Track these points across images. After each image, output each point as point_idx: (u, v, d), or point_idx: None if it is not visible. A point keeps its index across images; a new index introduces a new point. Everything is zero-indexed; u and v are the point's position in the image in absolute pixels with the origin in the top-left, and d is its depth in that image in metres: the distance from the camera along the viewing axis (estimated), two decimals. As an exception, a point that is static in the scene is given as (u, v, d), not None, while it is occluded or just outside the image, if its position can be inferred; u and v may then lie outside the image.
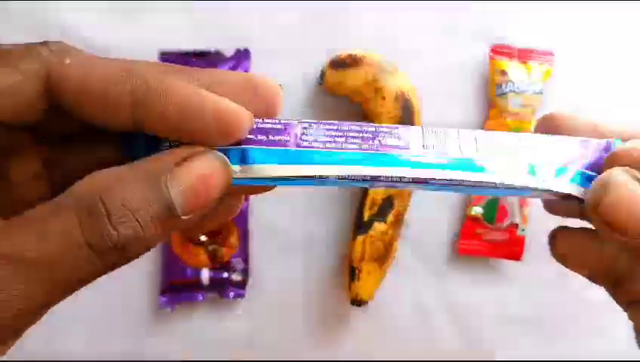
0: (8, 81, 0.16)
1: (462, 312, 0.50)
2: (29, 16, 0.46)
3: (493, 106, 0.48)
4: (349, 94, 0.46)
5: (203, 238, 0.47)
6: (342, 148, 0.20)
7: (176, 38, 0.47)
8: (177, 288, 0.47)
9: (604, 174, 0.19)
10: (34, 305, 0.16)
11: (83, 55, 0.18)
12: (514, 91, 0.47)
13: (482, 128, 0.49)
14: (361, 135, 0.20)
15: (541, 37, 0.49)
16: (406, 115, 0.45)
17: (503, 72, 0.48)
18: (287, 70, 0.48)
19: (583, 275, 0.23)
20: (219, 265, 0.47)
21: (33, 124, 0.18)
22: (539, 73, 0.48)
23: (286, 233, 0.49)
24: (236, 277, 0.47)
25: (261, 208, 0.48)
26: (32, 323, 0.17)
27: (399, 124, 0.45)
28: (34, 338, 0.47)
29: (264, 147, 0.19)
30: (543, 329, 0.50)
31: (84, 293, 0.51)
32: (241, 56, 0.47)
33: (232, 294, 0.47)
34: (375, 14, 0.48)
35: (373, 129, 0.20)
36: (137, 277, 0.48)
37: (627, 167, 0.18)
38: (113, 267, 0.17)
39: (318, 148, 0.19)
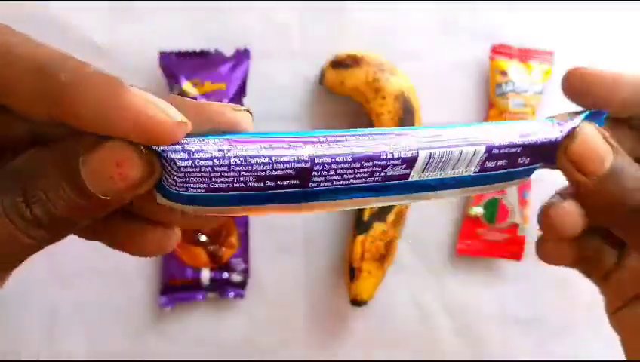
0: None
1: (462, 312, 0.50)
2: (30, 17, 0.46)
3: (493, 106, 0.48)
4: (349, 94, 0.46)
5: (203, 238, 0.47)
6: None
7: (176, 38, 0.47)
8: (177, 288, 0.47)
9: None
10: None
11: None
12: (514, 91, 0.47)
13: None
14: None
15: (541, 37, 0.49)
16: (406, 115, 0.45)
17: (503, 72, 0.48)
18: (287, 70, 0.48)
19: (561, 266, 0.26)
20: (219, 265, 0.47)
21: None
22: (539, 73, 0.48)
23: (286, 233, 0.49)
24: (236, 277, 0.47)
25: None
26: None
27: (399, 124, 0.45)
28: (34, 338, 0.47)
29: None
30: (543, 329, 0.50)
31: (84, 293, 0.51)
32: (241, 56, 0.47)
33: (232, 294, 0.47)
34: (375, 14, 0.48)
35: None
36: (137, 277, 0.48)
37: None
38: (42, 242, 0.18)
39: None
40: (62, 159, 0.17)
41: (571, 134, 0.22)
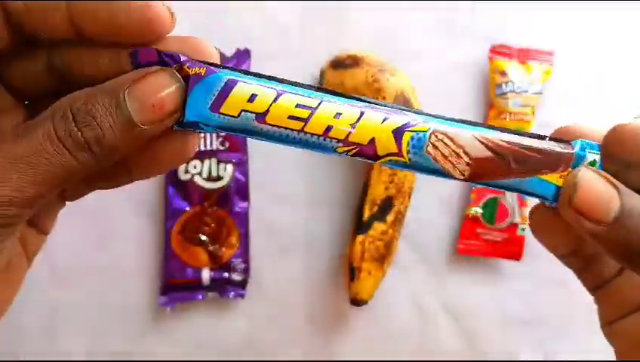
0: None
1: (461, 312, 0.50)
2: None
3: (493, 106, 0.48)
4: (349, 94, 0.46)
5: (203, 238, 0.47)
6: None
7: (176, 38, 0.47)
8: (177, 288, 0.47)
9: (572, 172, 0.21)
10: (26, 195, 0.19)
11: None
12: (514, 91, 0.47)
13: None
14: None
15: (541, 37, 0.49)
16: (406, 115, 0.45)
17: (503, 72, 0.48)
18: (287, 70, 0.47)
19: (555, 254, 0.25)
20: (219, 265, 0.47)
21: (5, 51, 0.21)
22: (539, 73, 0.48)
23: (286, 233, 0.49)
24: (236, 277, 0.47)
25: (261, 208, 0.48)
26: (27, 215, 0.20)
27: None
28: (34, 338, 0.47)
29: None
30: (543, 329, 0.50)
31: (84, 293, 0.51)
32: (242, 57, 0.47)
33: (232, 294, 0.47)
34: (375, 14, 0.48)
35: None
36: (137, 276, 0.48)
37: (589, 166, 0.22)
38: (87, 165, 0.20)
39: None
40: (109, 90, 0.20)
41: (571, 184, 0.21)
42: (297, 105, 0.21)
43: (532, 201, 0.51)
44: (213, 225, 0.47)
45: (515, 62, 0.48)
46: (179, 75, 0.20)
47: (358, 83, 0.45)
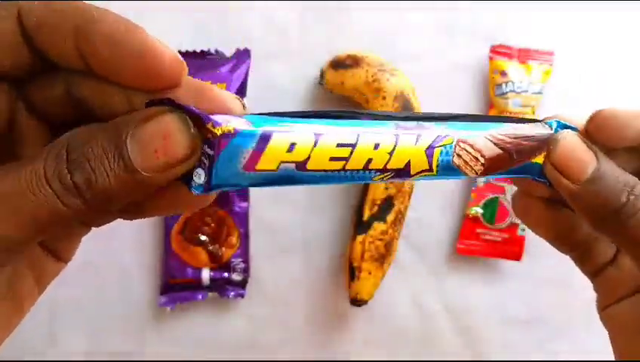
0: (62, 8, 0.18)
1: (461, 312, 0.50)
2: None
3: (493, 106, 0.48)
4: (349, 94, 0.46)
5: (203, 238, 0.47)
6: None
7: (176, 38, 0.47)
8: (177, 288, 0.47)
9: (557, 133, 0.23)
10: (6, 239, 0.18)
11: None
12: (514, 91, 0.47)
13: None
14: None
15: (541, 37, 0.49)
16: (406, 115, 0.45)
17: (503, 72, 0.48)
18: (287, 70, 0.48)
19: (545, 238, 0.26)
20: (219, 265, 0.47)
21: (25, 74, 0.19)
22: (539, 73, 0.48)
23: (286, 233, 0.49)
24: (236, 277, 0.47)
25: (261, 208, 0.48)
26: (12, 259, 0.19)
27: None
28: (34, 338, 0.47)
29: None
30: (543, 329, 0.50)
31: (84, 293, 0.51)
32: (241, 56, 0.47)
33: (232, 294, 0.47)
34: (375, 14, 0.48)
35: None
36: (137, 276, 0.48)
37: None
38: (76, 212, 0.18)
39: None
40: (110, 130, 0.18)
41: (553, 141, 0.23)
42: (338, 145, 0.20)
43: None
44: (213, 225, 0.47)
45: (515, 62, 0.48)
46: (189, 122, 0.18)
47: (358, 83, 0.45)
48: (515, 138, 0.23)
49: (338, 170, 0.20)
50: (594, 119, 0.24)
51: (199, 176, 0.18)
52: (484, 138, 0.22)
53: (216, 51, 0.46)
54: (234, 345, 0.48)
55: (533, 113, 0.48)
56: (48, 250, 0.22)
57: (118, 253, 0.48)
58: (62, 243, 0.23)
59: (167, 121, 0.18)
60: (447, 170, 0.22)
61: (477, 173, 0.22)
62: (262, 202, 0.48)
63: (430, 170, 0.21)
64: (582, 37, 0.50)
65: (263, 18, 0.48)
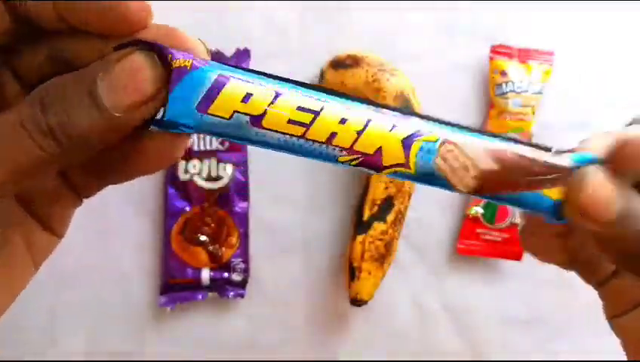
0: None
1: (461, 312, 0.50)
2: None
3: (493, 106, 0.48)
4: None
5: (203, 238, 0.47)
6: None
7: (176, 38, 0.47)
8: (177, 288, 0.47)
9: (579, 171, 0.21)
10: None
11: None
12: (514, 91, 0.47)
13: (482, 128, 0.49)
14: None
15: (541, 37, 0.49)
16: (406, 115, 0.45)
17: (503, 72, 0.48)
18: (287, 70, 0.48)
19: (553, 263, 0.25)
20: (219, 265, 0.47)
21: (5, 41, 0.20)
22: (539, 73, 0.48)
23: (286, 233, 0.49)
24: (236, 277, 0.47)
25: (261, 208, 0.48)
26: None
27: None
28: (34, 339, 0.47)
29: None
30: (543, 329, 0.50)
31: (84, 294, 0.51)
32: (242, 56, 0.47)
33: (232, 294, 0.47)
34: (375, 14, 0.48)
35: None
36: (137, 276, 0.48)
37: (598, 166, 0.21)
38: (54, 155, 0.18)
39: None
40: (82, 74, 0.19)
41: (577, 178, 0.20)
42: (299, 108, 0.19)
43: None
44: (213, 225, 0.47)
45: (515, 62, 0.48)
46: (157, 59, 0.18)
47: (358, 83, 0.45)
48: (521, 157, 0.20)
49: (297, 137, 0.19)
50: (622, 149, 0.21)
51: (158, 114, 0.19)
52: (480, 147, 0.19)
53: (217, 51, 0.46)
54: (234, 345, 0.48)
55: (534, 113, 0.48)
56: (41, 221, 0.22)
57: (118, 254, 0.48)
58: (54, 216, 0.23)
59: (134, 59, 0.18)
60: (429, 173, 0.19)
61: (468, 188, 0.20)
62: (262, 202, 0.48)
63: (406, 165, 0.19)
64: (582, 37, 0.50)
65: (263, 18, 0.48)
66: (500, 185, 0.20)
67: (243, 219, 0.48)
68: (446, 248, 0.50)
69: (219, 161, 0.47)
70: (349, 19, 0.48)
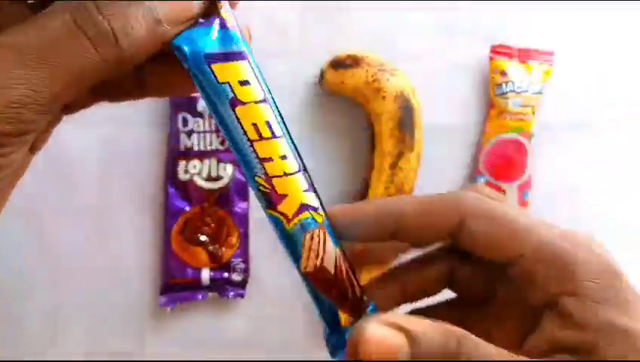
0: None
1: (462, 312, 0.50)
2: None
3: (493, 106, 0.48)
4: (349, 94, 0.46)
5: (203, 238, 0.47)
6: None
7: (176, 38, 0.47)
8: (177, 288, 0.47)
9: (358, 326, 0.20)
10: (41, 96, 0.16)
11: None
12: (514, 91, 0.47)
13: (482, 128, 0.49)
14: None
15: (541, 37, 0.49)
16: (406, 115, 0.45)
17: (503, 72, 0.48)
18: (287, 70, 0.48)
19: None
20: (219, 265, 0.47)
21: None
22: (539, 73, 0.48)
23: (286, 233, 0.49)
24: (236, 277, 0.47)
25: (261, 208, 0.48)
26: (43, 121, 0.17)
27: (399, 123, 0.45)
28: (35, 338, 0.47)
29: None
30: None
31: (84, 293, 0.51)
32: (241, 56, 0.47)
33: (232, 294, 0.47)
34: (375, 14, 0.48)
35: None
36: (137, 276, 0.48)
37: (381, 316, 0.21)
38: (109, 62, 0.17)
39: None
40: None
41: (356, 335, 0.20)
42: (267, 123, 0.21)
43: (533, 200, 0.51)
44: (213, 225, 0.47)
45: (515, 62, 0.48)
46: None
47: (358, 83, 0.45)
48: (350, 282, 0.23)
49: (247, 139, 0.21)
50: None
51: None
52: (335, 252, 0.22)
53: (216, 51, 0.46)
54: (234, 345, 0.48)
55: (534, 113, 0.48)
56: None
57: (118, 253, 0.48)
58: (42, 135, 0.22)
59: None
60: (294, 238, 0.22)
61: (305, 269, 0.22)
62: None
63: (289, 220, 0.22)
64: (582, 37, 0.50)
65: (263, 18, 0.48)
66: (322, 284, 0.23)
67: (243, 219, 0.48)
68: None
69: (219, 161, 0.47)
70: (349, 19, 0.48)
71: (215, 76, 0.20)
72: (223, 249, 0.47)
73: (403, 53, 0.48)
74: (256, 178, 0.21)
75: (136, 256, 0.48)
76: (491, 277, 0.24)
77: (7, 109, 0.16)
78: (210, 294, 0.47)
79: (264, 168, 0.21)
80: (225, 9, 0.21)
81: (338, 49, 0.46)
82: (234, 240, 0.47)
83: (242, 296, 0.48)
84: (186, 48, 0.20)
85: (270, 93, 0.22)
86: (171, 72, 0.22)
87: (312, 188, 0.23)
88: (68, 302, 0.47)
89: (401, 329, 0.20)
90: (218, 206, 0.47)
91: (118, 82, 0.21)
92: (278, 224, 0.22)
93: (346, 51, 0.46)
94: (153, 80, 0.22)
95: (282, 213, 0.22)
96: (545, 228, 0.22)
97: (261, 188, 0.22)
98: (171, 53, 0.20)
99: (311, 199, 0.22)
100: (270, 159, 0.21)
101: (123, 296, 0.48)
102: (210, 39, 0.20)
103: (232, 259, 0.47)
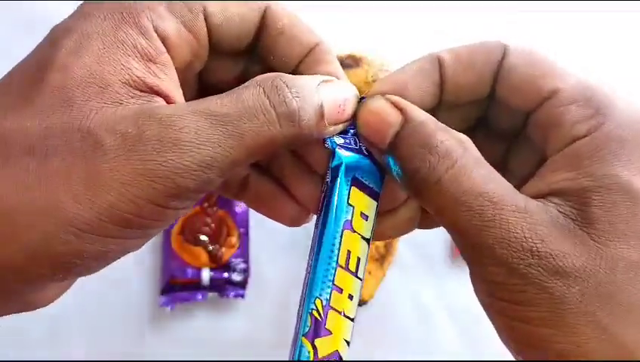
0: (239, 10, 0.21)
1: (462, 312, 0.50)
2: (30, 15, 0.46)
3: (493, 106, 0.48)
4: (349, 94, 0.46)
5: (203, 238, 0.47)
6: None
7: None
8: (177, 288, 0.47)
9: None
10: (228, 159, 0.18)
11: None
12: (514, 91, 0.47)
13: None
14: None
15: (540, 37, 0.49)
16: (406, 115, 0.45)
17: (503, 72, 0.48)
18: (287, 70, 0.48)
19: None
20: (219, 265, 0.47)
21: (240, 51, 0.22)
22: (539, 73, 0.48)
23: (286, 233, 0.49)
24: (236, 277, 0.47)
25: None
26: (218, 181, 0.19)
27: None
28: (35, 338, 0.47)
29: None
30: (542, 329, 0.50)
31: (84, 293, 0.51)
32: (241, 56, 0.47)
33: (232, 294, 0.47)
34: (375, 15, 0.48)
35: None
36: (137, 276, 0.48)
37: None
38: (287, 139, 0.19)
39: None
40: (310, 77, 0.21)
41: (358, 108, 0.23)
42: (358, 259, 0.22)
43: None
44: (213, 225, 0.47)
45: (515, 62, 0.48)
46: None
47: (359, 83, 0.45)
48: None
49: (335, 263, 0.22)
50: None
51: (337, 138, 0.22)
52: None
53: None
54: (234, 345, 0.48)
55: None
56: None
57: (118, 253, 0.48)
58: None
59: (345, 86, 0.22)
60: None
61: None
62: (262, 202, 0.48)
63: (317, 356, 0.23)
64: (582, 37, 0.50)
65: (263, 18, 0.48)
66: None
67: (243, 219, 0.48)
68: (446, 248, 0.50)
69: (219, 161, 0.47)
70: (349, 20, 0.48)
71: (349, 196, 0.22)
72: (223, 249, 0.47)
73: (403, 53, 0.48)
74: (317, 300, 0.22)
75: (136, 256, 0.47)
76: (507, 145, 0.25)
77: (196, 167, 0.17)
78: (210, 294, 0.47)
79: (330, 295, 0.22)
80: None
81: (338, 49, 0.46)
82: (234, 240, 0.47)
83: (242, 296, 0.48)
84: (345, 158, 0.21)
85: (369, 242, 0.23)
86: (274, 195, 0.23)
87: (349, 343, 0.24)
88: (68, 302, 0.47)
89: (401, 109, 0.21)
90: (218, 206, 0.47)
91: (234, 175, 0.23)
92: (303, 354, 0.23)
93: (346, 51, 0.46)
94: (258, 188, 0.23)
95: (315, 347, 0.23)
96: (583, 74, 0.23)
97: (314, 312, 0.22)
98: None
99: (344, 352, 0.24)
100: (341, 290, 0.22)
101: (123, 296, 0.48)
102: (362, 164, 0.22)
103: (232, 259, 0.47)
